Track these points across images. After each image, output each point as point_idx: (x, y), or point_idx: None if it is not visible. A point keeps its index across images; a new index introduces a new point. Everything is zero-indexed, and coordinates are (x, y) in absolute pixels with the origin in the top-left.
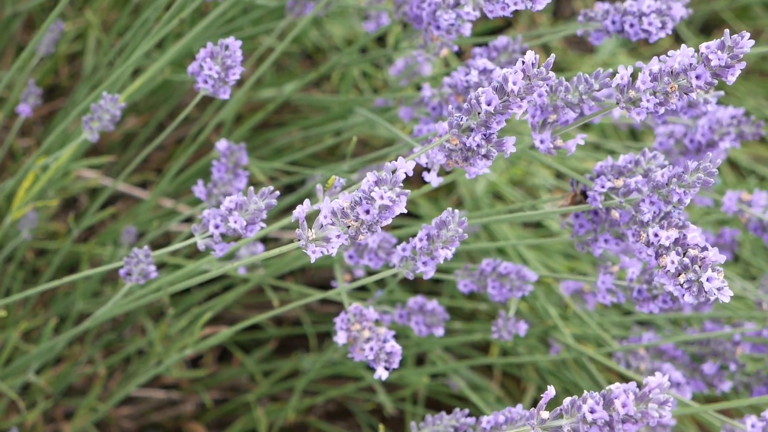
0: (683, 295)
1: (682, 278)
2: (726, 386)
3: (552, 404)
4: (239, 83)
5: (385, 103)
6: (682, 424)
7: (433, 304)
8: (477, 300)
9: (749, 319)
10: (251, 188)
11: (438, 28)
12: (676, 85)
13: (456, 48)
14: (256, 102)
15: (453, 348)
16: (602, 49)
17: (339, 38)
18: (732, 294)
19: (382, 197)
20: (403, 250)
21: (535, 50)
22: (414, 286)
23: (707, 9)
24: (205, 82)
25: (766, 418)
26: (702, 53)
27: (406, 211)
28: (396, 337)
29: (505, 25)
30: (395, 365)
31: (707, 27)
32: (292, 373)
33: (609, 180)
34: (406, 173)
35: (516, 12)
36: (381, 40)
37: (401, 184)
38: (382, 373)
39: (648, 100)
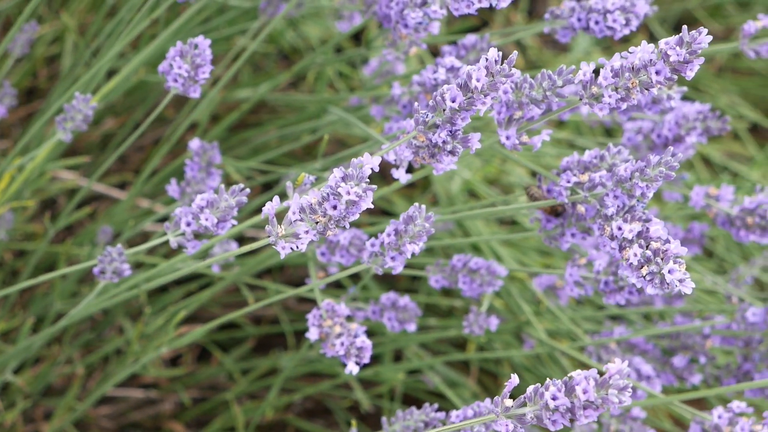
0: (646, 286)
1: (644, 270)
2: (696, 379)
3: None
4: (214, 83)
5: (360, 102)
6: (656, 418)
7: (405, 300)
8: (453, 297)
9: (719, 312)
10: (222, 186)
11: (406, 26)
12: (637, 81)
13: (425, 46)
14: (233, 102)
15: (430, 345)
16: (577, 48)
17: (315, 39)
18: (694, 285)
19: (348, 192)
20: (372, 245)
21: (508, 49)
22: (391, 283)
23: (680, 7)
24: (175, 80)
25: (733, 409)
26: (661, 49)
27: (378, 208)
28: (372, 334)
29: (481, 25)
30: (366, 360)
31: (680, 25)
32: (271, 372)
33: (575, 175)
34: (373, 169)
35: (492, 12)
36: (358, 39)
37: (368, 180)
38: (352, 368)
39: (610, 96)
